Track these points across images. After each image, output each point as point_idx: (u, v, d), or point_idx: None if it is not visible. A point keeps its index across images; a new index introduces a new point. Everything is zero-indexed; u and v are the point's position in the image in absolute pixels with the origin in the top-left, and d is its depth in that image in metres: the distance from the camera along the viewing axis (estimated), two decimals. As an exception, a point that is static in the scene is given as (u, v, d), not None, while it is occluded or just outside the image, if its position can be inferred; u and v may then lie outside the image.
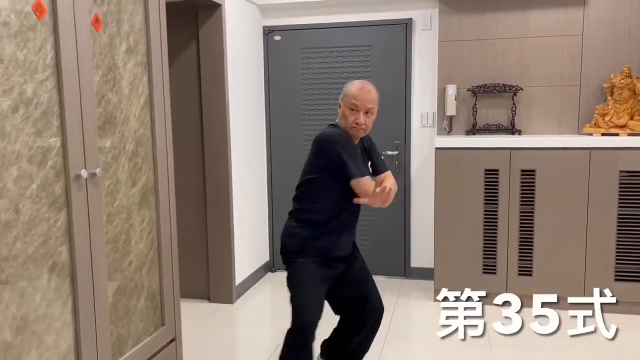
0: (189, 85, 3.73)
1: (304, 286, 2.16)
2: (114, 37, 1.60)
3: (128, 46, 1.66)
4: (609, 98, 3.51)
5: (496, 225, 3.60)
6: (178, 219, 3.35)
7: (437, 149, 3.63)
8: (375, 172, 2.37)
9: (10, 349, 1.24)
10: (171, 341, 1.92)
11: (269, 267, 4.52)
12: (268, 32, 4.31)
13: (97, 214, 1.50)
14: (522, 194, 3.54)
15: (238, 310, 3.76)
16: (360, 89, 2.20)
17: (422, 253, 4.21)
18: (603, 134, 3.47)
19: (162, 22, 1.84)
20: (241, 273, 3.98)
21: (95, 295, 1.50)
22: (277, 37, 4.30)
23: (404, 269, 4.30)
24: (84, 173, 1.42)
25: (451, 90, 3.84)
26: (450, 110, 3.86)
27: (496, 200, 3.58)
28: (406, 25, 4.05)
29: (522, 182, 3.53)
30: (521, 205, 3.55)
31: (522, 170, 3.52)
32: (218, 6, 3.57)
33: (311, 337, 2.11)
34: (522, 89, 3.79)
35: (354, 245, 2.34)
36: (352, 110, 2.19)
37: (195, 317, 3.61)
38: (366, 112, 2.19)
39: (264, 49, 4.34)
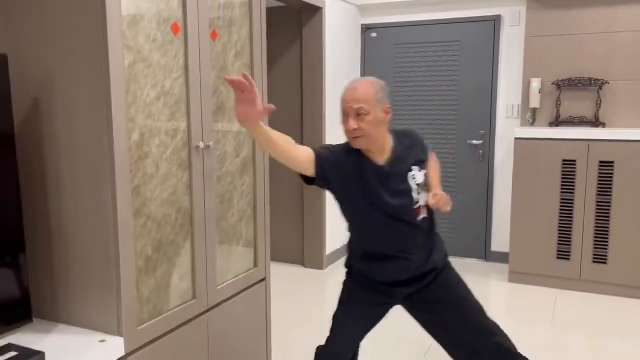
0: (293, 78, 4.29)
1: (342, 310, 2.00)
2: (226, 45, 2.14)
3: (236, 51, 2.20)
4: (697, 92, 3.50)
5: (572, 214, 3.76)
6: (279, 194, 3.99)
7: (516, 139, 3.86)
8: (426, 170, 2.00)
9: (150, 261, 1.83)
10: (262, 280, 2.46)
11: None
12: (365, 29, 4.74)
13: (210, 175, 2.06)
14: (599, 184, 3.66)
15: (327, 275, 4.28)
16: (347, 89, 1.84)
17: (502, 238, 4.44)
18: (688, 128, 3.48)
19: (262, 33, 2.36)
20: (332, 244, 4.50)
21: (207, 234, 2.06)
22: (374, 34, 4.72)
23: (484, 252, 4.56)
24: (201, 145, 1.98)
25: (535, 83, 4.02)
26: (534, 102, 4.04)
27: (573, 189, 3.73)
28: (494, 22, 4.28)
29: (600, 173, 3.65)
30: (598, 195, 3.67)
31: (601, 162, 3.64)
32: (319, 9, 4.07)
33: None
34: (608, 83, 3.87)
35: (432, 264, 1.98)
36: (343, 116, 1.85)
37: (290, 277, 4.20)
38: (358, 115, 1.80)
39: (362, 45, 4.78)
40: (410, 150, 1.95)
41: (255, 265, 2.43)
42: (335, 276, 4.24)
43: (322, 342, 2.02)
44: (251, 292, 2.40)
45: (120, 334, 1.71)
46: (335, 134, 4.39)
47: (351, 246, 2.04)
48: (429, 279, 1.97)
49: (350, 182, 1.86)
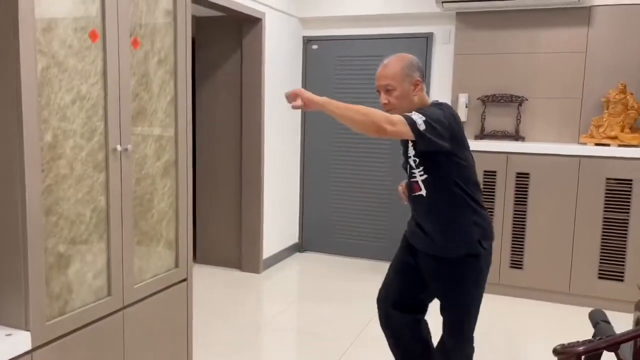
0: (232, 86, 4.40)
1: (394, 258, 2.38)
2: (148, 52, 2.23)
3: (159, 59, 2.30)
4: (605, 111, 3.80)
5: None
6: (217, 196, 4.05)
7: (443, 150, 4.06)
8: None
9: (62, 258, 1.89)
10: (182, 280, 2.54)
11: (298, 248, 5.11)
12: (307, 41, 4.90)
13: (128, 176, 2.14)
14: (516, 194, 3.91)
15: (262, 279, 4.38)
16: (379, 67, 2.10)
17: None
18: (596, 144, 3.77)
19: (187, 41, 2.46)
20: (269, 249, 4.60)
21: (124, 233, 2.14)
22: (315, 46, 4.88)
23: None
24: (119, 147, 2.06)
25: (463, 98, 4.26)
26: (462, 116, 4.27)
27: (493, 199, 3.96)
28: (427, 39, 4.50)
29: (517, 183, 3.90)
30: (515, 204, 3.92)
31: (518, 173, 3.89)
32: (259, 20, 4.20)
33: (380, 313, 2.33)
34: (528, 100, 4.14)
35: (438, 251, 2.12)
36: (377, 91, 2.12)
37: (224, 279, 4.28)
38: (387, 90, 2.05)
39: (303, 56, 4.93)
40: None
41: (176, 265, 2.51)
42: (271, 279, 4.34)
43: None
44: (171, 292, 2.48)
45: (27, 329, 1.76)
46: (273, 144, 4.52)
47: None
48: (430, 261, 2.16)
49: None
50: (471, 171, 2.11)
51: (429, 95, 2.20)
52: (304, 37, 4.88)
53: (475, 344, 2.25)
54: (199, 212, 4.55)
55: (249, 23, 4.22)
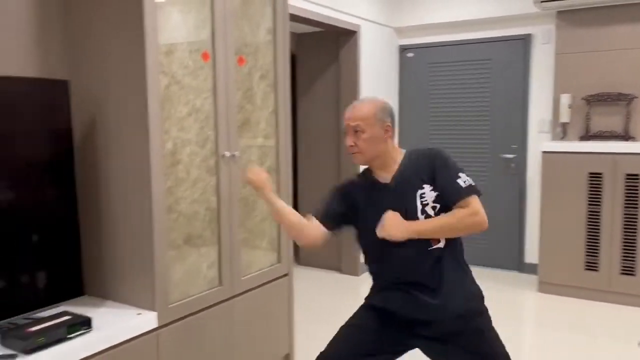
0: (330, 97, 4.62)
1: (344, 325, 2.02)
2: (252, 69, 2.50)
3: (261, 74, 2.55)
4: None
5: (599, 226, 3.82)
6: (317, 202, 4.26)
7: (543, 152, 3.99)
8: (447, 199, 1.83)
9: (181, 250, 2.18)
10: (284, 275, 2.77)
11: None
12: (402, 50, 5.01)
13: (235, 180, 2.40)
14: (626, 197, 3.72)
15: (361, 282, 4.52)
16: (348, 107, 1.94)
17: (535, 249, 4.52)
18: None
19: (286, 57, 2.70)
20: (368, 253, 4.73)
21: (232, 230, 2.40)
22: (410, 54, 4.98)
23: (517, 264, 4.65)
24: (227, 154, 2.33)
25: (565, 99, 4.13)
26: (564, 117, 4.15)
27: (600, 202, 3.80)
28: (524, 40, 4.43)
29: (626, 186, 3.71)
30: (625, 207, 3.73)
31: (627, 175, 3.70)
32: (354, 32, 4.39)
33: None
34: (638, 97, 3.92)
35: (457, 315, 1.84)
36: (344, 133, 1.95)
37: (324, 281, 4.48)
38: (355, 132, 1.88)
39: (399, 65, 5.04)
40: (422, 169, 1.86)
41: (279, 261, 2.74)
42: (369, 282, 4.47)
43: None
44: (274, 285, 2.71)
45: (154, 310, 2.06)
46: (371, 149, 4.68)
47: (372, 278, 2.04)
48: (451, 328, 1.84)
49: (361, 205, 1.93)
50: None
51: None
52: (400, 45, 5.00)
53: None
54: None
55: (345, 36, 4.43)
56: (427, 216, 1.83)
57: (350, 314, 2.04)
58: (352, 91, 4.45)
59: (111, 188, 2.10)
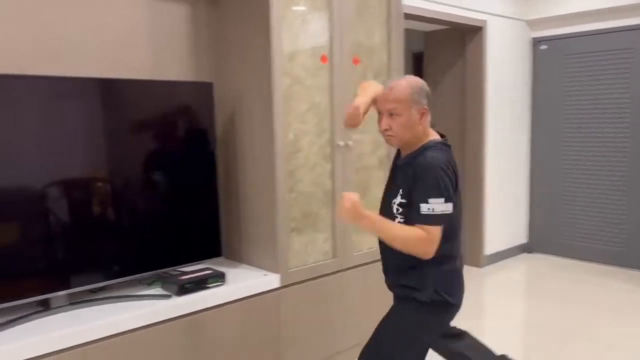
0: (456, 92, 4.74)
1: None
2: (367, 68, 2.80)
3: (375, 73, 2.84)
4: None
5: None
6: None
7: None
8: (409, 216, 1.85)
9: (300, 224, 2.56)
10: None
11: (526, 248, 5.14)
12: (535, 43, 4.93)
13: (349, 166, 2.73)
14: None
15: (484, 273, 4.58)
16: (386, 88, 1.89)
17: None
18: None
19: (400, 57, 2.96)
20: (493, 245, 4.77)
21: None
22: (544, 47, 4.89)
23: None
24: (342, 143, 2.67)
25: None
26: None
27: None
28: (671, 26, 4.12)
29: None
30: None
31: None
32: (480, 28, 4.47)
33: None
34: None
35: (398, 290, 1.99)
36: (378, 115, 1.93)
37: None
38: (391, 115, 1.85)
39: (532, 59, 4.97)
40: (412, 173, 1.85)
41: (390, 242, 3.02)
42: (493, 275, 4.51)
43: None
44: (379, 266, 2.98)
45: (277, 272, 2.47)
46: (496, 143, 4.69)
47: None
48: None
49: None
50: (452, 222, 1.88)
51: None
52: (532, 38, 4.92)
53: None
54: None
55: (471, 33, 4.51)
56: (395, 210, 1.90)
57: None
58: (478, 88, 4.52)
59: (245, 172, 2.55)
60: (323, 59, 2.60)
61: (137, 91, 2.25)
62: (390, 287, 2.05)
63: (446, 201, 1.78)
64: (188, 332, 2.16)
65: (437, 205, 1.77)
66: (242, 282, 2.37)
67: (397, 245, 1.81)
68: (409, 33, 4.70)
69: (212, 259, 2.50)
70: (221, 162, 2.63)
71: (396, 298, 2.03)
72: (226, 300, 2.29)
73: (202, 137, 2.46)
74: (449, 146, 1.93)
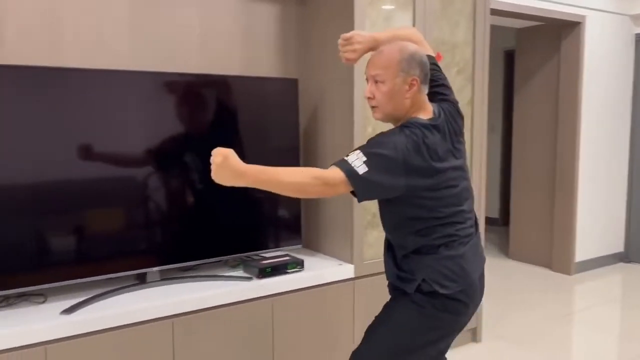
0: (549, 90, 4.56)
1: None
2: (449, 64, 2.80)
3: (458, 69, 2.83)
4: None
5: None
6: (531, 197, 4.35)
7: None
8: None
9: (375, 218, 2.61)
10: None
11: (622, 257, 4.83)
12: (639, 39, 4.63)
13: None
14: None
15: (573, 281, 4.37)
16: (374, 52, 1.73)
17: None
18: None
19: (485, 53, 2.92)
20: (584, 252, 4.54)
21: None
22: (649, 42, 4.57)
23: None
24: (421, 139, 2.70)
25: None
26: None
27: None
28: None
29: None
30: None
31: None
32: (578, 24, 4.27)
33: None
34: None
35: (398, 288, 1.81)
36: (367, 81, 1.73)
37: (533, 276, 4.46)
38: (375, 82, 1.67)
39: (635, 55, 4.67)
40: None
41: (469, 241, 2.99)
42: (583, 283, 4.29)
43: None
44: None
45: (352, 263, 2.54)
46: (591, 146, 4.45)
47: None
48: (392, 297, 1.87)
49: None
50: (441, 206, 1.66)
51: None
52: (636, 34, 4.61)
53: None
54: (514, 209, 4.83)
55: (568, 28, 4.31)
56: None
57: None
58: (573, 87, 4.32)
59: (325, 165, 2.65)
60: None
61: (232, 86, 2.42)
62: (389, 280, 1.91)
63: (368, 166, 1.54)
64: (266, 313, 2.29)
65: (355, 157, 1.57)
66: (319, 269, 2.47)
67: (288, 188, 1.56)
68: (500, 30, 4.59)
69: (292, 247, 2.62)
70: (302, 156, 2.75)
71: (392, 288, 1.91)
72: (303, 286, 2.40)
73: (287, 131, 2.59)
74: (435, 127, 1.66)
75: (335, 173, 1.57)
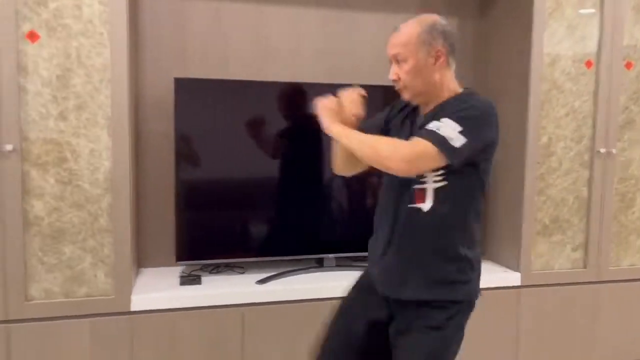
0: None
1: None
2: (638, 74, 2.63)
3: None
4: None
5: None
6: None
7: None
8: None
9: (547, 228, 2.58)
10: None
11: None
12: None
13: (610, 175, 2.59)
14: None
15: None
16: (394, 32, 1.60)
17: None
18: None
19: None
20: None
21: (603, 222, 2.61)
22: None
23: None
24: (603, 150, 2.57)
25: None
26: None
27: None
28: None
29: None
30: None
31: None
32: None
33: None
34: None
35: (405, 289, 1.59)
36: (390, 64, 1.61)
37: None
38: (397, 62, 1.56)
39: None
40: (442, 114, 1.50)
41: (656, 262, 2.76)
42: None
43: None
44: (646, 285, 2.75)
45: (518, 271, 2.56)
46: None
47: None
48: (398, 315, 1.62)
49: (393, 131, 1.72)
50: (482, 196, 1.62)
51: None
52: None
53: None
54: None
55: None
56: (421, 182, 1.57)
57: None
58: None
59: (495, 170, 2.69)
60: (588, 64, 2.57)
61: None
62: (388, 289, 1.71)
63: (465, 135, 1.43)
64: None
65: (446, 128, 1.43)
66: (483, 275, 2.53)
67: (366, 150, 1.52)
68: None
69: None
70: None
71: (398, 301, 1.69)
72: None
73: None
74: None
75: (421, 144, 1.46)
